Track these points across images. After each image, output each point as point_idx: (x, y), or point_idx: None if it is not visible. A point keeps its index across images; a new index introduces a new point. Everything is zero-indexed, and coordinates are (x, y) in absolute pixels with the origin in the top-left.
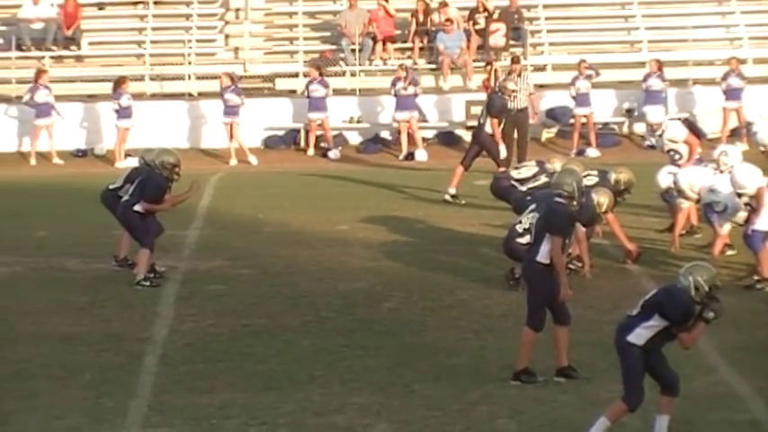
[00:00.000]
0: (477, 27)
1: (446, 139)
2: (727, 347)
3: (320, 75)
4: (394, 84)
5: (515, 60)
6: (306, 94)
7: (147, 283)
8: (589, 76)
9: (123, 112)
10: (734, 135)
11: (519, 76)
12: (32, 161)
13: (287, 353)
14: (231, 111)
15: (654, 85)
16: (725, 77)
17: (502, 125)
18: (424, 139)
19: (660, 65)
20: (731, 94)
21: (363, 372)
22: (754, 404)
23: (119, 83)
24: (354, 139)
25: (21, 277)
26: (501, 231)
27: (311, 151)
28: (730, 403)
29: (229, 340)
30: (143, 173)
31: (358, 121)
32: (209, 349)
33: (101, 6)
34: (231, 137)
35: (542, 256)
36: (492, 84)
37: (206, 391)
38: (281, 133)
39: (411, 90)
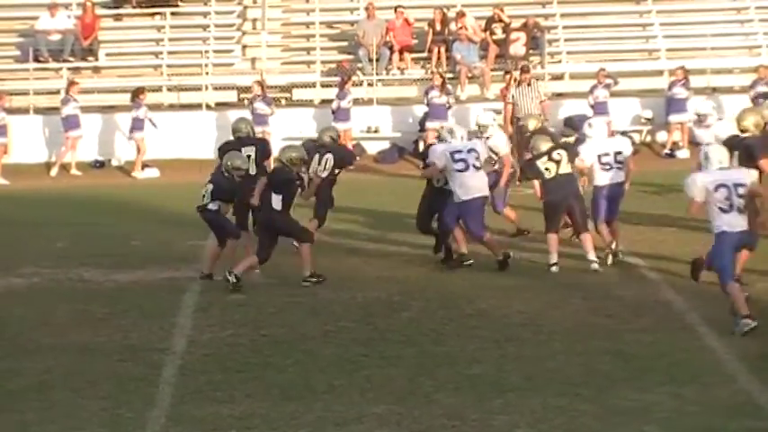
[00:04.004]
0: (494, 37)
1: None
2: (748, 356)
3: (344, 85)
4: (427, 92)
5: (525, 70)
6: (336, 105)
7: (314, 280)
8: (608, 85)
9: (138, 124)
10: None
11: (529, 85)
12: (54, 172)
13: (306, 363)
14: (261, 120)
15: (678, 93)
16: (753, 86)
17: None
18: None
19: (686, 73)
20: (758, 102)
21: (383, 381)
22: None
23: (137, 93)
24: (373, 148)
25: (40, 288)
26: (519, 242)
27: None
28: (751, 411)
29: (248, 350)
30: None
31: (375, 131)
32: (229, 359)
33: (118, 17)
34: None
35: None
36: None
37: (225, 401)
38: (298, 143)
39: (444, 99)
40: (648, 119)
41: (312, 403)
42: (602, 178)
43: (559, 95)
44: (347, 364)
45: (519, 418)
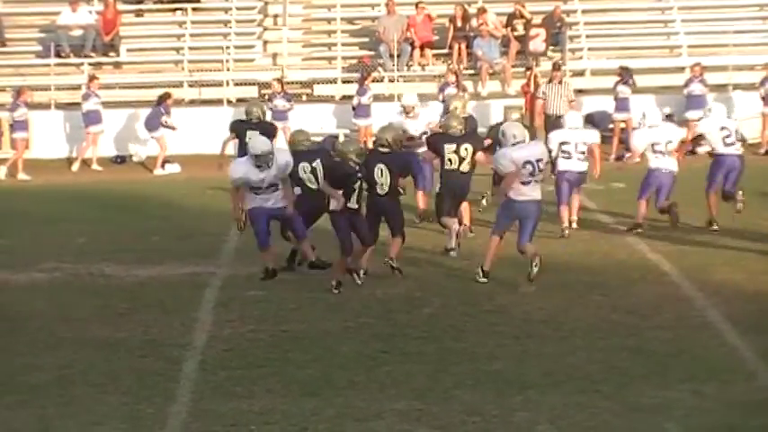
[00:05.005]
0: (515, 33)
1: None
2: None
3: (364, 81)
4: (442, 89)
5: (556, 67)
6: (357, 101)
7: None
8: (626, 82)
9: (156, 123)
10: None
11: (560, 83)
12: (75, 167)
13: (326, 358)
14: (281, 116)
15: (695, 90)
16: (763, 82)
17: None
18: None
19: (703, 69)
20: None
21: (403, 377)
22: None
23: (164, 98)
24: None
25: (61, 283)
26: (535, 239)
27: None
28: None
29: (269, 346)
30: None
31: None
32: (249, 355)
33: (139, 13)
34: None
35: None
36: (531, 89)
37: (245, 396)
38: (318, 139)
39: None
40: (668, 115)
41: (332, 399)
42: (654, 163)
43: (580, 92)
44: (367, 360)
45: (539, 415)
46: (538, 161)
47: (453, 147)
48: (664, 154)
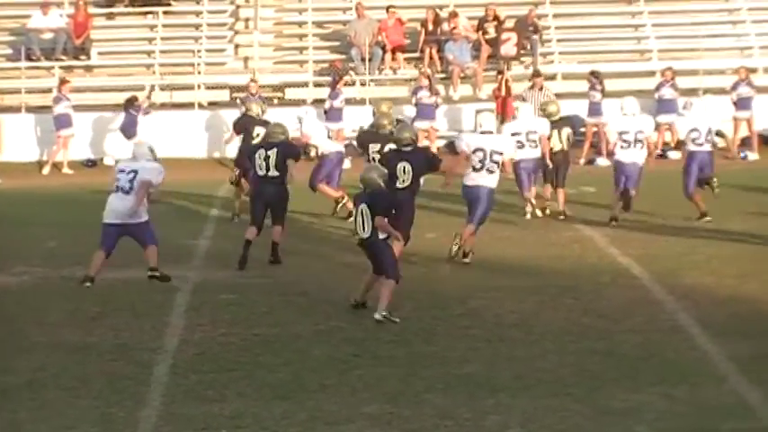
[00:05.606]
0: (486, 37)
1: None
2: (738, 356)
3: (336, 85)
4: (415, 92)
5: (537, 74)
6: (329, 105)
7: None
8: (594, 86)
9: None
10: (744, 144)
11: (540, 89)
12: (46, 171)
13: (298, 362)
14: None
15: (666, 94)
16: (734, 87)
17: None
18: (438, 149)
19: (674, 74)
20: (741, 103)
21: (374, 381)
22: (765, 413)
23: (131, 101)
24: None
25: (32, 287)
26: (508, 243)
27: None
28: (741, 412)
29: (240, 349)
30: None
31: None
32: (220, 359)
33: (110, 16)
34: None
35: None
36: (502, 93)
37: (216, 400)
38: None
39: (433, 99)
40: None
41: (303, 402)
42: (620, 154)
43: None
44: (339, 364)
45: (510, 418)
46: (492, 152)
47: (378, 146)
48: (630, 144)
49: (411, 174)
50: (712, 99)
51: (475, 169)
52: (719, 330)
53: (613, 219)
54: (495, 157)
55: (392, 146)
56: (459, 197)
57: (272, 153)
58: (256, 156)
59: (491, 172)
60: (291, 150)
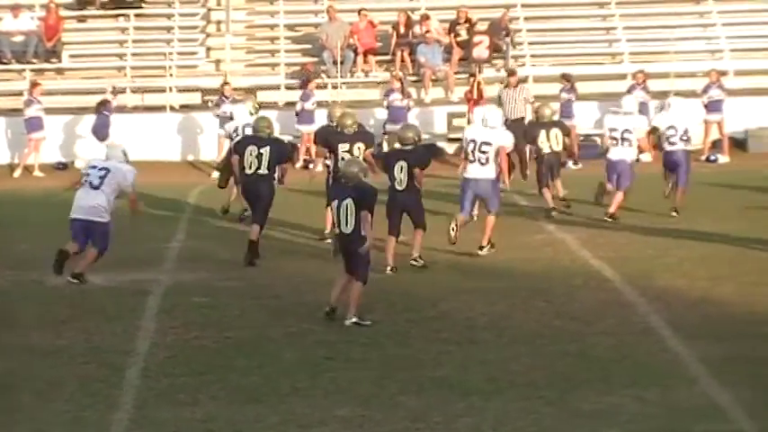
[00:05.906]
0: (458, 39)
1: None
2: (709, 358)
3: (306, 86)
4: (387, 95)
5: (511, 73)
6: (300, 107)
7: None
8: (570, 89)
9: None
10: (715, 147)
11: (515, 87)
12: (17, 173)
13: (270, 365)
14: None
15: (638, 97)
16: (705, 90)
17: None
18: None
19: (645, 77)
20: (712, 106)
21: (347, 384)
22: (736, 415)
23: (103, 104)
24: None
25: (2, 290)
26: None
27: (299, 164)
28: (713, 414)
29: (212, 353)
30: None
31: None
32: (192, 362)
33: (82, 19)
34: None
35: None
36: (474, 96)
37: (189, 403)
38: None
39: (405, 102)
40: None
41: (276, 406)
42: (610, 152)
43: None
44: (311, 367)
45: (482, 421)
46: (482, 143)
47: (347, 146)
48: (618, 141)
49: (407, 171)
50: (683, 102)
51: (470, 161)
52: (691, 332)
53: (611, 216)
54: (484, 148)
55: (396, 144)
56: (438, 200)
57: (265, 151)
58: (246, 152)
59: (482, 164)
60: (284, 152)
